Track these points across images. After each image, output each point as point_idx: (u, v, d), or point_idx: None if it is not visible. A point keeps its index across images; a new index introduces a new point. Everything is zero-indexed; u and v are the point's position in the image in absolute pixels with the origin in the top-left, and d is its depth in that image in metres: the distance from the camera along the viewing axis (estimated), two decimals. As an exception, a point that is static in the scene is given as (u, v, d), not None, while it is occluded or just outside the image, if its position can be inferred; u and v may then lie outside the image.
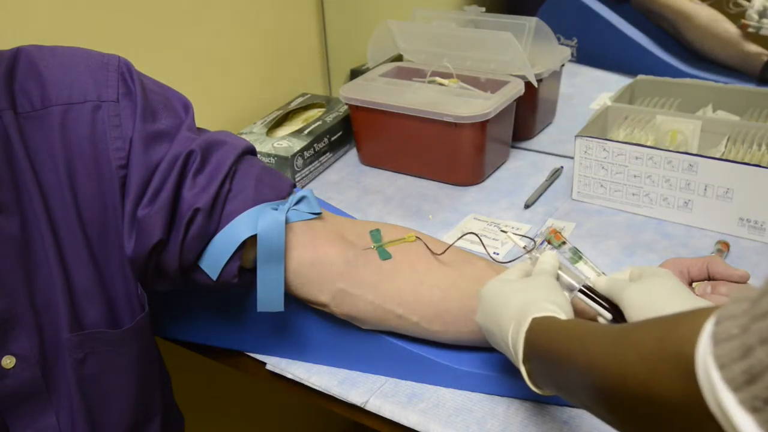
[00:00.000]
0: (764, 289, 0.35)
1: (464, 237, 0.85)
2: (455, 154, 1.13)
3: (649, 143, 1.04)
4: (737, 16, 1.30)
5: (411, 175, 1.19)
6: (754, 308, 0.35)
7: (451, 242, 0.77)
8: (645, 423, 0.43)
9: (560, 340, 0.55)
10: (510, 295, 0.64)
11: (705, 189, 0.96)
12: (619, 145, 1.01)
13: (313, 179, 1.20)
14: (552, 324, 0.58)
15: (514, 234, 0.77)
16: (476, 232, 1.01)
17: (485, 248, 0.78)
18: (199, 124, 0.75)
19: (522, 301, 0.62)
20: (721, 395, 0.34)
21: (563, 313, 0.60)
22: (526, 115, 1.23)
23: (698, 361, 0.36)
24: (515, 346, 0.60)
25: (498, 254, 0.93)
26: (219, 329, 0.84)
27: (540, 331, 0.58)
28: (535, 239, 0.73)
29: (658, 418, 0.40)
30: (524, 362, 0.60)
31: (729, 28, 1.32)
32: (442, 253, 0.76)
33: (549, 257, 0.69)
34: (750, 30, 1.25)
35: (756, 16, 1.26)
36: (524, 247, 0.75)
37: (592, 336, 0.51)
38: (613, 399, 0.45)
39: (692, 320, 0.39)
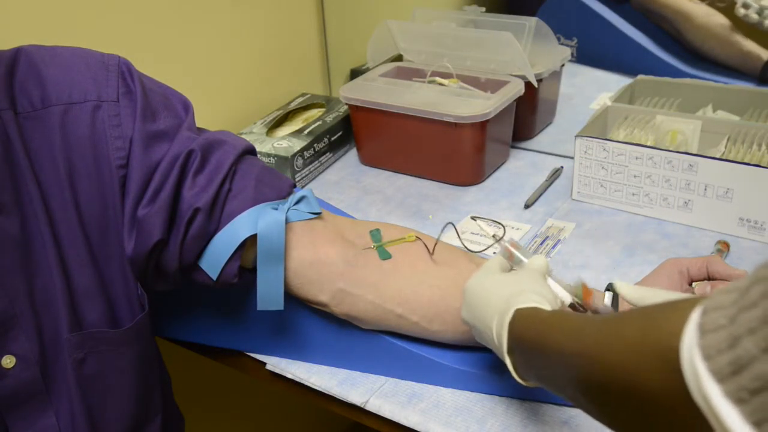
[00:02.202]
0: (753, 278, 0.34)
1: (466, 238, 0.84)
2: (455, 154, 1.13)
3: (649, 143, 1.04)
4: (726, 10, 1.30)
5: (411, 175, 1.19)
6: (743, 298, 0.34)
7: (451, 242, 0.77)
8: (629, 414, 0.42)
9: (545, 330, 0.54)
10: (494, 287, 0.63)
11: (705, 189, 0.96)
12: (619, 145, 1.01)
13: (313, 179, 1.20)
14: (537, 314, 0.57)
15: (482, 221, 0.74)
16: (473, 231, 1.01)
17: (461, 240, 0.75)
18: (199, 124, 0.75)
19: (506, 292, 0.61)
20: (707, 386, 0.34)
21: (548, 304, 0.59)
22: (526, 115, 1.23)
23: (684, 353, 0.36)
24: (499, 337, 0.59)
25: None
26: (219, 329, 0.84)
27: (524, 322, 0.57)
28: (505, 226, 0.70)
29: (643, 408, 0.40)
30: (508, 353, 0.59)
31: (728, 27, 1.32)
32: (432, 251, 0.75)
33: (539, 261, 0.67)
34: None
35: (743, 10, 1.26)
36: (493, 236, 0.73)
37: (579, 326, 0.50)
38: (598, 389, 0.45)
39: (678, 311, 0.38)
